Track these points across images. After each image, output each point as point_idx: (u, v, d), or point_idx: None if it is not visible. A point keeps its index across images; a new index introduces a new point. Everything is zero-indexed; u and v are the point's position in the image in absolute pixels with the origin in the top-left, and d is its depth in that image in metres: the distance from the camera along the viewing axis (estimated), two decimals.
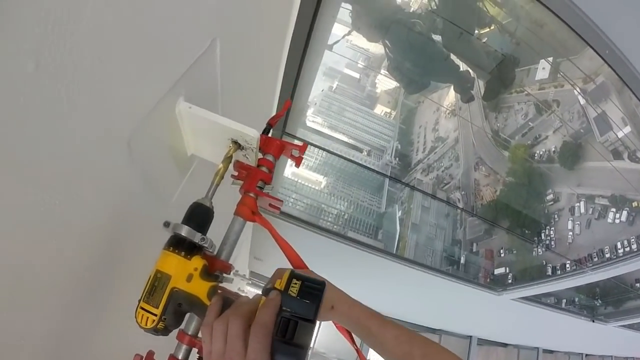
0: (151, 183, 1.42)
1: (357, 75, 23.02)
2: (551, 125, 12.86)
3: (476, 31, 5.44)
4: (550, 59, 7.67)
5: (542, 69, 10.32)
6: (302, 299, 0.84)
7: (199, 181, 1.91)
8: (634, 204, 9.86)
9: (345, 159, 14.79)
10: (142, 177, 1.31)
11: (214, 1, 1.35)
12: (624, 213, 10.26)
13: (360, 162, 19.42)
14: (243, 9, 1.62)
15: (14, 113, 0.64)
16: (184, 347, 0.96)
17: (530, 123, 13.53)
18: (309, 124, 15.55)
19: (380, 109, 23.18)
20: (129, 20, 0.89)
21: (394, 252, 12.94)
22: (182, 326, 1.02)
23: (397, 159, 21.53)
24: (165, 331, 0.94)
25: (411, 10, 5.63)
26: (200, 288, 0.94)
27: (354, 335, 1.03)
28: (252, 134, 1.23)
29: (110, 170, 1.11)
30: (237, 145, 1.28)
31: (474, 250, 16.99)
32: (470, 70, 6.44)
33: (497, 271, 14.95)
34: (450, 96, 16.53)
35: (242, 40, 1.74)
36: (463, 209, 17.66)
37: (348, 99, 22.43)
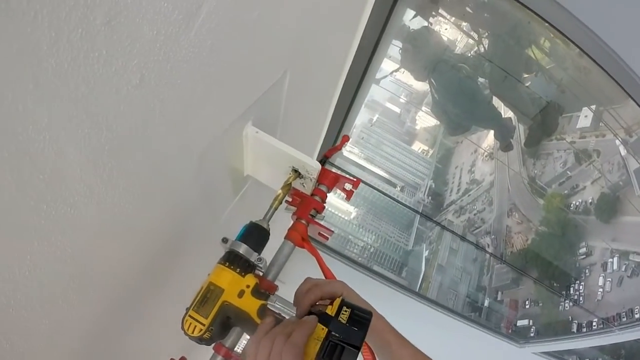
0: (208, 198, 1.46)
1: (397, 110, 23.04)
2: (590, 176, 12.62)
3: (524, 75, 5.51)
4: (593, 107, 7.67)
5: (584, 117, 10.27)
6: (351, 326, 0.87)
7: (247, 201, 2.01)
8: None
9: (379, 191, 14.76)
10: (202, 191, 1.35)
11: (292, 35, 1.42)
12: None
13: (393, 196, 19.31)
14: (313, 44, 1.69)
15: (114, 118, 0.68)
16: (219, 358, 0.98)
17: (568, 172, 13.31)
18: (345, 154, 15.61)
19: (417, 146, 23.13)
20: (221, 49, 0.96)
21: (417, 290, 12.75)
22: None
23: (430, 197, 21.37)
24: (209, 341, 0.96)
25: (459, 52, 5.78)
26: (250, 305, 0.96)
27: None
28: (314, 166, 1.28)
29: (179, 182, 1.16)
30: (297, 174, 1.33)
31: (499, 298, 16.59)
32: (513, 118, 6.47)
33: (520, 322, 14.56)
34: (489, 138, 16.46)
35: (307, 73, 1.81)
36: (492, 254, 17.42)
37: (387, 132, 22.44)
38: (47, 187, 0.62)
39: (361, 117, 18.93)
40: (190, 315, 0.93)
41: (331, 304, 0.92)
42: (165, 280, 1.50)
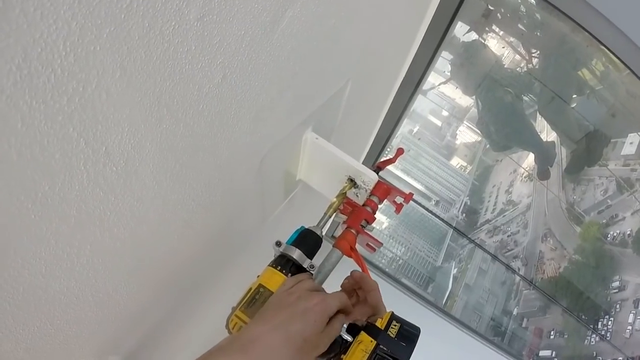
0: (262, 199, 1.46)
1: (439, 123, 22.82)
2: (630, 206, 12.25)
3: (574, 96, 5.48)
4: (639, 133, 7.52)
5: (630, 144, 9.99)
6: (400, 341, 0.87)
7: (295, 205, 2.04)
8: None
9: (415, 201, 14.71)
10: (258, 192, 1.35)
11: (359, 45, 1.43)
12: None
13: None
14: (375, 54, 1.70)
15: (192, 115, 0.69)
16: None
17: (609, 200, 12.93)
18: None
19: (456, 161, 22.86)
20: (297, 54, 0.96)
21: (442, 307, 12.64)
22: None
23: (464, 214, 21.07)
24: None
25: (509, 69, 5.77)
26: None
27: None
28: (372, 177, 1.29)
29: (240, 183, 1.16)
30: (353, 183, 1.34)
31: (524, 325, 16.27)
32: (556, 142, 6.41)
33: (543, 353, 14.25)
34: (530, 159, 16.22)
35: (365, 83, 1.81)
36: (523, 277, 17.12)
37: (426, 145, 22.24)
38: (119, 179, 0.62)
39: (402, 128, 18.75)
40: (236, 315, 0.92)
41: (381, 317, 0.93)
42: (211, 278, 1.54)
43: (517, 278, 17.81)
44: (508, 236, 18.80)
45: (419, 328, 0.93)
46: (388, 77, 2.28)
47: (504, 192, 20.13)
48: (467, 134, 22.13)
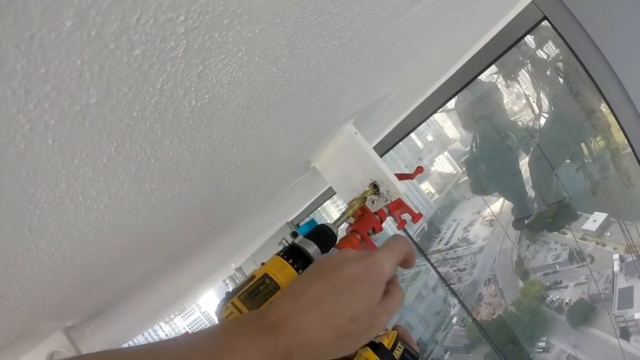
0: (280, 177, 1.47)
1: (420, 145, 23.05)
2: (576, 278, 12.64)
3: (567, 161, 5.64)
4: (605, 215, 7.78)
5: (593, 221, 10.35)
6: None
7: (296, 189, 2.06)
8: None
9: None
10: (282, 170, 1.37)
11: (424, 58, 1.46)
12: None
13: None
14: (424, 71, 1.78)
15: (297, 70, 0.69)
16: None
17: (557, 266, 13.33)
18: None
19: (426, 186, 23.13)
20: (398, 43, 0.98)
21: None
22: None
23: (419, 238, 21.44)
24: None
25: (513, 119, 5.91)
26: None
27: None
28: (399, 189, 1.31)
29: (275, 161, 1.17)
30: (375, 189, 1.33)
31: (445, 358, 16.71)
32: (535, 201, 6.58)
33: None
34: (496, 205, 16.61)
35: (405, 92, 1.85)
36: (463, 307, 17.50)
37: (401, 161, 22.48)
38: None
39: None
40: (233, 303, 0.83)
41: (387, 335, 0.92)
42: (195, 245, 1.51)
43: (452, 312, 18.19)
44: (454, 270, 19.15)
45: (419, 354, 0.92)
46: (415, 93, 2.31)
47: (462, 229, 20.44)
48: (444, 164, 22.43)
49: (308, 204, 4.17)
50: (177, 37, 0.45)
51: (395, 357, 0.87)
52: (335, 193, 3.53)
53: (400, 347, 0.90)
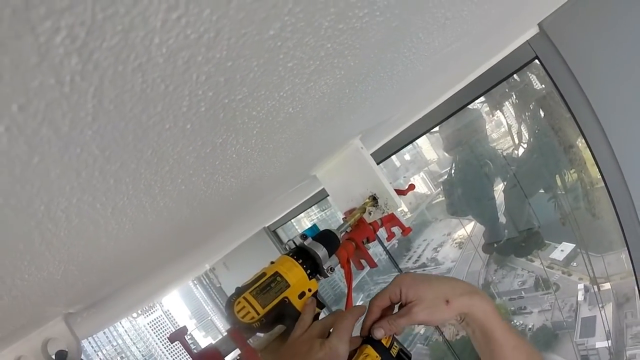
0: (282, 183, 1.49)
1: (398, 164, 23.14)
2: (540, 304, 12.82)
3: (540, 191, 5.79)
4: (573, 245, 7.98)
5: (561, 251, 10.58)
6: None
7: (293, 195, 2.09)
8: None
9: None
10: (285, 176, 1.38)
11: (430, 84, 1.52)
12: None
13: None
14: (423, 96, 1.82)
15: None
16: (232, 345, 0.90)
17: (523, 292, 13.52)
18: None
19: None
20: (399, 86, 1.03)
21: None
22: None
23: (387, 255, 21.36)
24: (253, 331, 0.91)
25: (493, 146, 6.08)
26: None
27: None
28: (397, 203, 1.39)
29: (297, 167, 1.24)
30: (374, 201, 1.42)
31: None
32: (505, 227, 6.73)
33: None
34: (468, 228, 16.87)
35: (405, 114, 1.95)
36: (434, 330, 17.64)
37: None
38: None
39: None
40: (245, 297, 0.88)
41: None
42: (196, 243, 1.56)
43: (416, 330, 18.28)
44: None
45: (411, 354, 0.99)
46: (408, 116, 2.41)
47: (432, 249, 20.54)
48: (419, 184, 22.62)
49: (288, 210, 4.21)
50: (315, 59, 0.55)
51: (392, 354, 0.95)
52: (315, 203, 3.63)
53: (396, 347, 0.97)
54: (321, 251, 1.03)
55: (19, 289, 0.70)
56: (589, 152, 2.05)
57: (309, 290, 0.97)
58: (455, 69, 1.59)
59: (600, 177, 2.08)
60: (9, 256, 0.58)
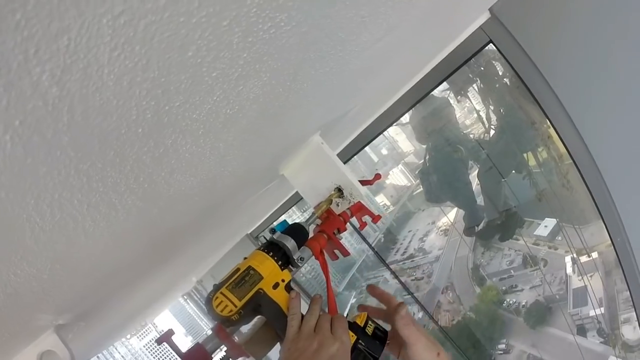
0: (253, 184, 1.53)
1: (375, 159, 23.27)
2: (530, 281, 13.03)
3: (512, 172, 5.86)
4: (555, 220, 8.10)
5: (544, 227, 10.78)
6: (374, 339, 0.96)
7: (258, 201, 2.11)
8: None
9: None
10: (256, 178, 1.43)
11: (386, 80, 1.61)
12: None
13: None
14: (381, 91, 1.89)
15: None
16: (217, 341, 0.94)
17: (512, 271, 13.70)
18: None
19: (381, 199, 23.32)
20: (375, 67, 1.12)
21: None
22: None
23: (373, 252, 21.56)
24: (234, 324, 0.94)
25: (464, 132, 6.15)
26: (283, 299, 0.96)
27: None
28: (362, 192, 1.39)
29: (258, 167, 1.25)
30: (340, 193, 1.41)
31: None
32: (484, 209, 6.81)
33: None
34: (451, 215, 17.04)
35: (363, 108, 1.92)
36: (427, 311, 17.69)
37: (357, 174, 22.55)
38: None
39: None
40: (222, 293, 0.91)
41: (359, 316, 1.01)
42: (174, 252, 1.57)
43: None
44: (412, 280, 19.37)
45: (387, 331, 1.00)
46: (371, 111, 2.41)
47: (418, 240, 20.71)
48: (399, 177, 22.76)
49: (267, 215, 4.21)
50: (237, 67, 0.64)
51: (368, 332, 0.97)
52: (293, 204, 3.62)
53: (371, 325, 0.99)
54: (289, 242, 1.05)
55: (13, 286, 0.76)
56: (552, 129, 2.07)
57: (282, 280, 1.00)
58: (406, 60, 1.62)
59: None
60: (6, 248, 0.66)
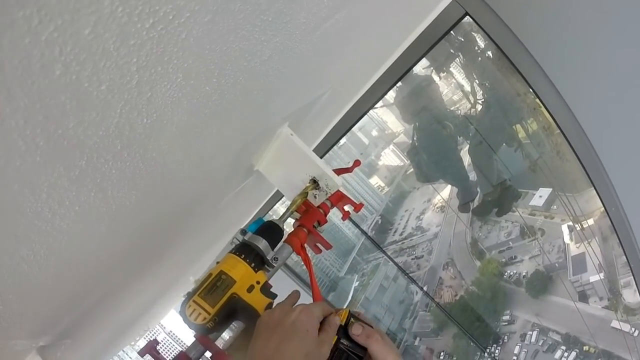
0: (224, 183, 1.50)
1: (366, 141, 23.26)
2: (529, 251, 13.13)
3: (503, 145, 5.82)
4: (550, 189, 8.09)
5: (539, 197, 10.81)
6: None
7: (242, 197, 2.06)
8: (585, 347, 10.07)
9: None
10: (224, 176, 1.40)
11: (349, 61, 1.53)
12: (573, 354, 10.45)
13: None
14: (352, 73, 1.81)
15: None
16: (201, 348, 0.91)
17: (510, 243, 13.81)
18: None
19: (375, 181, 23.35)
20: (322, 51, 1.06)
21: None
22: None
23: (374, 232, 21.67)
24: (210, 332, 0.91)
25: (451, 109, 6.09)
26: (259, 301, 0.93)
27: None
28: (337, 182, 1.33)
29: (218, 169, 1.22)
30: (315, 185, 1.36)
31: (416, 344, 17.04)
32: (478, 185, 6.78)
33: None
34: (445, 192, 17.06)
35: (337, 93, 1.85)
36: (427, 294, 17.80)
37: (349, 158, 22.60)
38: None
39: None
40: (194, 301, 0.88)
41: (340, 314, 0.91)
42: (152, 262, 1.54)
43: (415, 299, 18.52)
44: (412, 259, 19.49)
45: (372, 325, 0.94)
46: (350, 91, 2.34)
47: (415, 218, 20.82)
48: (391, 157, 22.79)
49: (258, 209, 4.17)
50: (131, 74, 0.55)
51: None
52: (278, 200, 3.56)
53: (352, 322, 0.89)
54: (261, 243, 1.01)
55: None
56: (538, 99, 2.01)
57: (257, 282, 0.96)
58: (376, 39, 1.56)
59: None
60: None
